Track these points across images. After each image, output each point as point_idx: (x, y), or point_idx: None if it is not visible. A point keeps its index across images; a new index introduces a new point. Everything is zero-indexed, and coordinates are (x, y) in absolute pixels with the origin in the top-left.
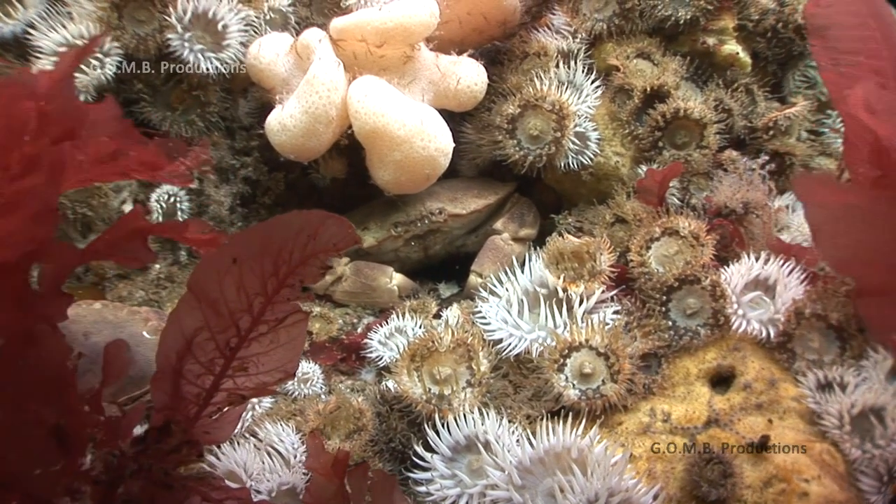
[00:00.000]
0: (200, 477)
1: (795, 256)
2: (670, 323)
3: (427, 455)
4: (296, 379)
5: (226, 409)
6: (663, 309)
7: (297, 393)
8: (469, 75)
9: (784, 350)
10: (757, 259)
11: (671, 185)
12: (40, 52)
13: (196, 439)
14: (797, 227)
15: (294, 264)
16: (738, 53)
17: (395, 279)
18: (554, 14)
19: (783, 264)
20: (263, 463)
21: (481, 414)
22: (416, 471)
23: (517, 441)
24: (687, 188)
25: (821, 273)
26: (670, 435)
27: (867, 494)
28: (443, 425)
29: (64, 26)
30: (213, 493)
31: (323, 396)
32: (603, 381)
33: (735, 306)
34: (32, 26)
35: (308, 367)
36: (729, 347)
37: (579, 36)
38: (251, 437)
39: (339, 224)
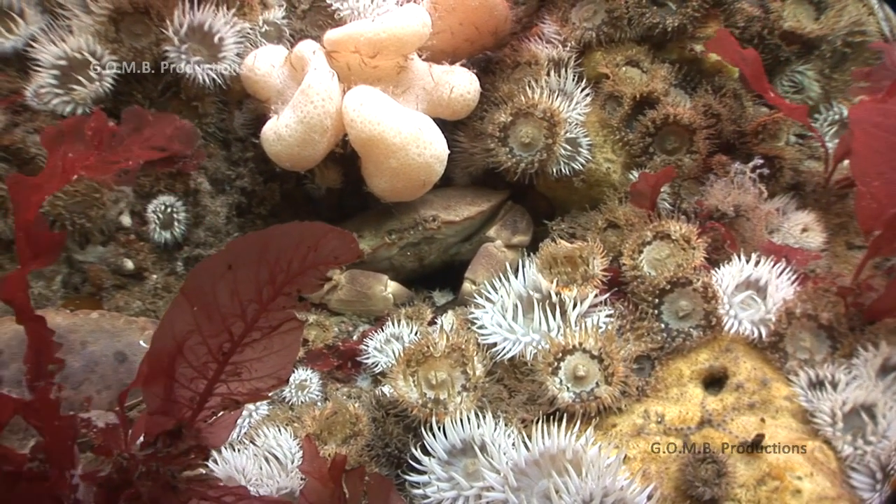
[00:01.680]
0: (202, 479)
1: (786, 258)
2: (663, 325)
3: (424, 458)
4: (293, 385)
5: (220, 413)
6: (656, 311)
7: (294, 399)
8: (462, 84)
9: (776, 350)
10: (748, 261)
11: (662, 190)
12: (39, 66)
13: (204, 443)
14: (787, 230)
15: (292, 274)
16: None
17: (390, 287)
18: (544, 23)
19: (774, 265)
20: (261, 468)
21: (477, 417)
22: (412, 474)
23: (513, 444)
24: (678, 193)
25: (811, 274)
26: (664, 436)
27: (859, 490)
28: (439, 429)
29: (64, 40)
30: (210, 493)
31: (319, 403)
32: (597, 383)
33: (727, 307)
34: (34, 40)
35: (305, 374)
36: (721, 348)
37: (569, 45)
38: (249, 444)
39: (341, 237)
